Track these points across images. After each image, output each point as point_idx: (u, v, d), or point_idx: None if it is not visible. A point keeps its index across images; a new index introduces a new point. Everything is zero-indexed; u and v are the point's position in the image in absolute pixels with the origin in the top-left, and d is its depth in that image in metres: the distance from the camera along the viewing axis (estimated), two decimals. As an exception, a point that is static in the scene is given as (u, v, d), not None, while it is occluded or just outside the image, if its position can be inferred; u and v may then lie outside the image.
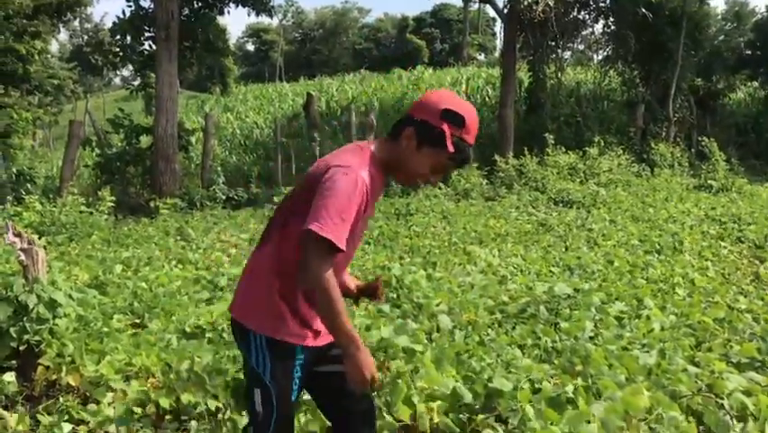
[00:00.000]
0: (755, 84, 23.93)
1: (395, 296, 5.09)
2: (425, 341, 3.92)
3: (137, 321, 4.88)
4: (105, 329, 4.36)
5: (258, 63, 69.90)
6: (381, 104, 23.87)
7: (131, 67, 15.29)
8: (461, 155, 2.20)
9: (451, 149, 2.15)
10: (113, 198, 10.23)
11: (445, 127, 2.15)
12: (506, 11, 15.86)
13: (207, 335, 4.47)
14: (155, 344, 4.21)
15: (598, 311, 4.65)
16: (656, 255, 7.29)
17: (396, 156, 2.22)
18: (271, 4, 13.67)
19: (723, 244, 8.06)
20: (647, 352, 3.96)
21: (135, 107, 30.11)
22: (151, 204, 10.93)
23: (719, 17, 31.63)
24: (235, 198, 12.69)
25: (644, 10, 14.49)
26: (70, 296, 4.80)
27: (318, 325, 2.25)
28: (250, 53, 74.77)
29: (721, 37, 26.64)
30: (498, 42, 72.89)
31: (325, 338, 2.29)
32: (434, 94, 2.25)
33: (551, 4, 13.67)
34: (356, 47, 74.96)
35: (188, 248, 7.86)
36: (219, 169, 13.48)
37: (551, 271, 6.35)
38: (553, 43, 16.48)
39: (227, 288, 5.75)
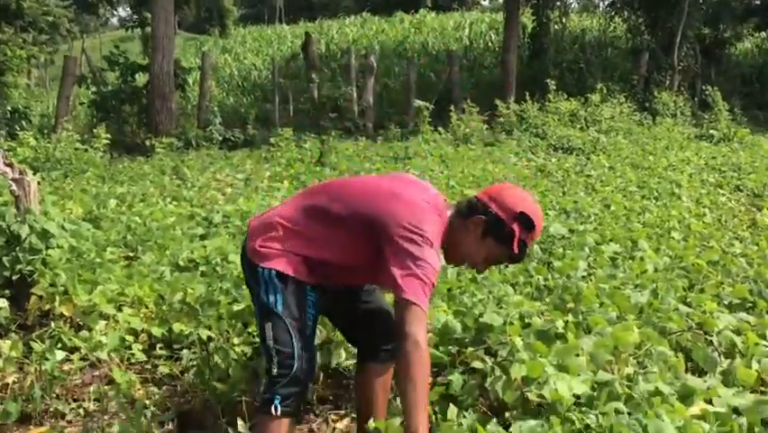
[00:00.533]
0: (763, 34, 23.53)
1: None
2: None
3: (130, 254, 4.88)
4: (98, 260, 4.35)
5: (257, 5, 68.57)
6: (382, 47, 23.50)
7: (127, 7, 14.98)
8: (519, 256, 2.29)
9: (515, 250, 2.24)
10: (108, 135, 10.13)
11: (516, 228, 2.21)
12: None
13: (201, 268, 4.47)
14: (148, 275, 4.22)
15: (592, 251, 4.65)
16: (654, 201, 7.26)
17: (457, 236, 2.28)
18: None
19: (721, 191, 8.04)
20: (639, 291, 3.96)
21: (133, 48, 29.56)
22: (147, 143, 10.85)
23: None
24: (232, 138, 12.59)
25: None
26: (63, 227, 4.78)
27: (324, 279, 2.29)
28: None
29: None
30: (503, -12, 71.39)
31: (337, 281, 2.33)
32: (514, 193, 2.32)
33: (557, -55, 13.29)
34: (358, -12, 73.49)
35: (183, 186, 7.83)
36: (216, 109, 13.33)
37: (547, 214, 6.32)
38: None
39: (221, 224, 5.74)
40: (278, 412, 2.15)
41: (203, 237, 5.29)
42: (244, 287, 4.02)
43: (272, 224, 2.27)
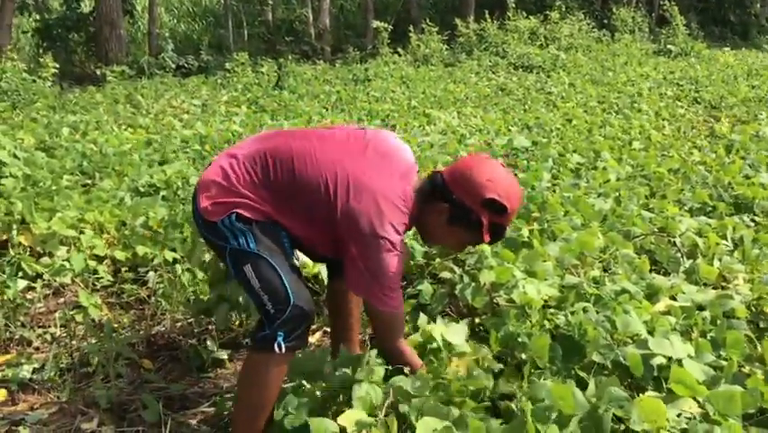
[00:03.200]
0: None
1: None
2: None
3: (88, 181, 4.74)
4: (55, 188, 4.22)
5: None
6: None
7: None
8: (495, 238, 2.05)
9: (487, 239, 1.98)
10: (56, 64, 9.72)
11: (485, 218, 1.95)
12: None
13: (162, 192, 4.37)
14: (107, 201, 4.11)
15: (556, 163, 4.67)
16: (615, 115, 7.30)
17: (425, 220, 2.06)
18: None
19: (680, 104, 8.12)
20: (603, 199, 4.01)
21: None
22: (98, 72, 10.44)
23: None
24: (185, 65, 12.20)
25: None
26: (15, 156, 4.63)
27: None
28: None
29: None
30: None
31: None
32: (481, 172, 1.98)
33: None
34: None
35: (139, 114, 7.60)
36: (168, 36, 12.86)
37: (509, 130, 6.32)
38: None
39: (180, 150, 5.60)
40: (283, 349, 1.96)
41: (162, 163, 5.16)
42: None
43: (219, 182, 2.01)
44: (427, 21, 13.10)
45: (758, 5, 18.22)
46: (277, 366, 2.00)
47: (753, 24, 17.98)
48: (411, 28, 13.17)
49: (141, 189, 4.49)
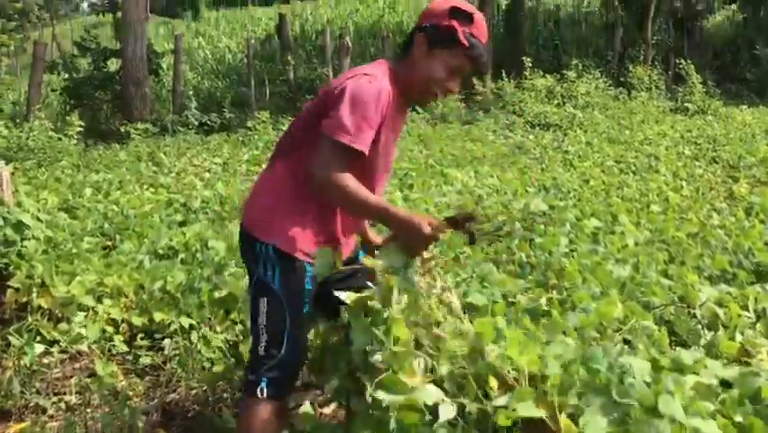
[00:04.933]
0: (733, 7, 23.66)
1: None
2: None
3: (108, 243, 4.79)
4: (75, 251, 4.28)
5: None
6: (357, 27, 23.32)
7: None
8: (476, 51, 2.06)
9: (465, 42, 2.04)
10: (81, 122, 9.95)
11: (455, 24, 2.04)
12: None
13: (180, 255, 4.41)
14: (127, 264, 4.15)
15: (573, 227, 4.66)
16: (632, 175, 7.30)
17: (410, 68, 2.11)
18: None
19: (698, 163, 8.10)
20: (621, 266, 3.98)
21: (105, 33, 29.11)
22: (122, 129, 10.67)
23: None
24: (208, 123, 12.43)
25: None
26: (38, 218, 4.70)
27: (331, 238, 2.17)
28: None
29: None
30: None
31: (345, 227, 2.21)
32: (439, 2, 2.14)
33: None
34: (331, -30, 72.83)
35: (160, 172, 7.72)
36: (191, 94, 13.14)
37: (526, 191, 6.34)
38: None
39: (200, 210, 5.67)
40: (265, 394, 2.06)
41: (182, 224, 5.21)
42: (226, 273, 3.99)
43: (267, 186, 2.17)
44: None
45: (774, 63, 18.28)
46: (261, 411, 2.07)
47: (768, 82, 18.02)
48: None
49: (161, 252, 4.53)
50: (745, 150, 8.81)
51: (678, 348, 2.91)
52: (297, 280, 2.09)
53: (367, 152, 1.96)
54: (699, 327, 3.15)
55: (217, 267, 3.98)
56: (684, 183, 7.03)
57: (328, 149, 1.94)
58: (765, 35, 19.99)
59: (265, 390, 2.06)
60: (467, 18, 2.07)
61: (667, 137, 10.34)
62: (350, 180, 1.94)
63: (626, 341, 3.04)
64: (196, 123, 12.24)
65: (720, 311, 3.27)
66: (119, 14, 13.96)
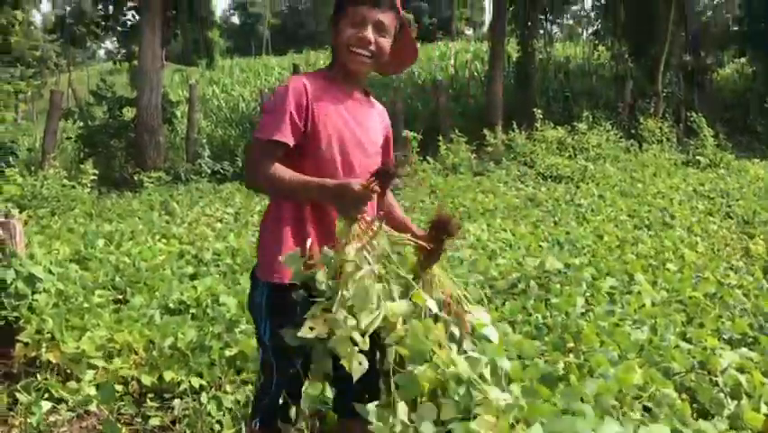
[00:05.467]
0: (743, 60, 23.86)
1: (384, 271, 5.00)
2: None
3: (119, 297, 4.77)
4: (86, 305, 4.25)
5: (244, 37, 69.09)
6: (368, 78, 23.60)
7: (114, 39, 14.94)
8: None
9: None
10: (95, 171, 10.04)
11: None
12: (495, -17, 15.66)
13: (191, 311, 4.38)
14: (138, 320, 4.11)
15: (589, 287, 4.60)
16: (646, 230, 7.25)
17: (334, 51, 2.21)
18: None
19: (712, 219, 8.03)
20: (639, 328, 3.91)
21: (120, 81, 29.62)
22: (135, 177, 10.75)
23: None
24: (221, 171, 12.52)
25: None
26: (50, 271, 4.68)
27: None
28: (235, 26, 73.89)
29: (709, 12, 26.54)
30: (487, 17, 72.50)
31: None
32: None
33: (542, -24, 13.45)
34: (343, 21, 74.16)
35: (173, 222, 7.73)
36: (204, 142, 13.27)
37: (540, 246, 6.29)
38: (543, 17, 16.29)
39: (212, 263, 5.65)
40: (257, 427, 2.19)
41: (193, 277, 5.19)
42: (237, 330, 3.95)
43: (260, 227, 2.25)
44: (456, 130, 13.36)
45: (785, 117, 18.34)
46: None
47: (780, 134, 18.06)
48: (440, 137, 13.43)
49: (171, 306, 4.50)
50: (760, 205, 8.75)
51: (700, 419, 2.83)
52: (285, 318, 1.99)
53: (288, 140, 2.02)
54: (722, 395, 3.07)
55: (228, 324, 3.94)
56: (699, 239, 6.97)
57: (251, 151, 2.07)
58: (776, 88, 20.12)
59: (258, 424, 2.19)
60: None
61: (680, 191, 10.30)
62: (274, 169, 2.01)
63: (645, 408, 2.97)
64: (209, 171, 12.33)
65: (743, 378, 3.19)
66: (135, 62, 14.19)
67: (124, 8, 12.92)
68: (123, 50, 14.59)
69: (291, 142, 2.03)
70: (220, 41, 45.61)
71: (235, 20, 74.68)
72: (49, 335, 3.89)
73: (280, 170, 2.02)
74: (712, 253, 6.32)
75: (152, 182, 10.59)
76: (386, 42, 2.14)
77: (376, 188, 1.91)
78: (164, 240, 6.74)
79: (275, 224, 2.13)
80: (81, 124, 12.58)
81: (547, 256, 5.27)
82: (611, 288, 4.63)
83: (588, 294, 4.53)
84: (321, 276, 1.92)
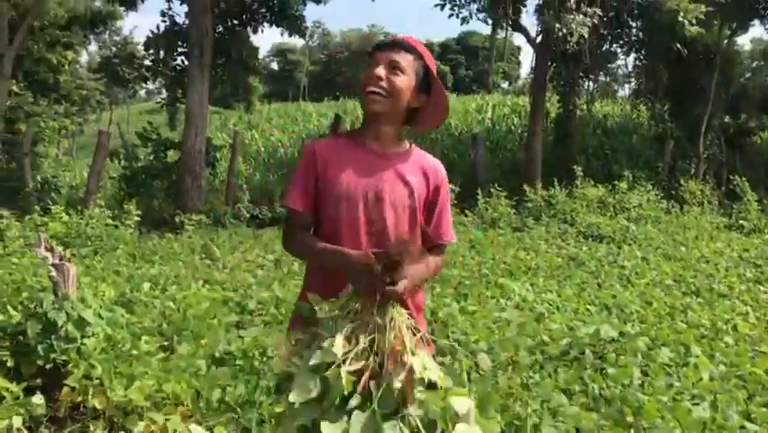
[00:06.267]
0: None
1: (430, 330, 4.92)
2: (466, 381, 3.75)
3: (165, 343, 4.74)
4: (135, 352, 4.23)
5: (282, 82, 70.40)
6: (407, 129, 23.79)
7: (157, 80, 15.27)
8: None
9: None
10: (139, 211, 10.16)
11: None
12: (538, 40, 15.78)
13: (238, 362, 4.33)
14: (186, 369, 4.07)
15: (645, 357, 4.47)
16: (694, 297, 7.07)
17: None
18: (305, 25, 13.66)
19: (762, 288, 7.82)
20: (698, 404, 3.78)
21: (160, 120, 30.29)
22: (176, 219, 10.86)
23: (747, 55, 31.24)
24: (259, 216, 12.59)
25: (678, 45, 14.34)
26: (99, 315, 4.69)
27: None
28: (274, 72, 75.36)
29: (748, 75, 26.32)
30: (522, 71, 73.20)
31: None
32: None
33: (585, 36, 13.53)
34: (380, 70, 75.45)
35: (214, 267, 7.75)
36: (245, 187, 13.41)
37: (588, 310, 6.16)
38: (584, 75, 16.35)
39: (256, 311, 5.62)
40: None
41: (239, 326, 5.16)
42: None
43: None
44: (496, 185, 13.32)
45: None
46: None
47: (826, 202, 17.68)
48: (478, 190, 13.39)
49: (218, 356, 4.46)
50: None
51: None
52: None
53: (297, 207, 2.15)
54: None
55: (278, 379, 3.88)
56: (749, 309, 6.78)
57: (284, 219, 2.28)
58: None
59: None
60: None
61: (724, 256, 10.09)
62: (297, 237, 2.16)
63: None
64: (248, 215, 12.41)
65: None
66: (178, 104, 14.49)
67: (174, 53, 13.23)
68: (167, 93, 14.84)
69: (300, 208, 2.16)
70: (259, 86, 46.58)
71: (274, 65, 76.18)
72: (97, 380, 3.86)
73: (302, 238, 2.17)
74: (766, 325, 6.13)
75: (193, 225, 10.67)
76: (401, 81, 2.10)
77: (377, 268, 1.85)
78: (207, 285, 6.74)
79: (305, 275, 2.30)
80: (125, 163, 12.80)
81: (595, 321, 5.16)
82: (668, 359, 4.49)
83: (643, 364, 4.40)
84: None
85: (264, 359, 4.30)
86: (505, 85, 58.59)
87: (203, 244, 9.28)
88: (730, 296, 7.29)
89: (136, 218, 9.92)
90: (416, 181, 2.19)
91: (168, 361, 4.23)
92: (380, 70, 2.09)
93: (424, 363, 1.84)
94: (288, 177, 17.84)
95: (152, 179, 12.39)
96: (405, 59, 2.12)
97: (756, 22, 23.60)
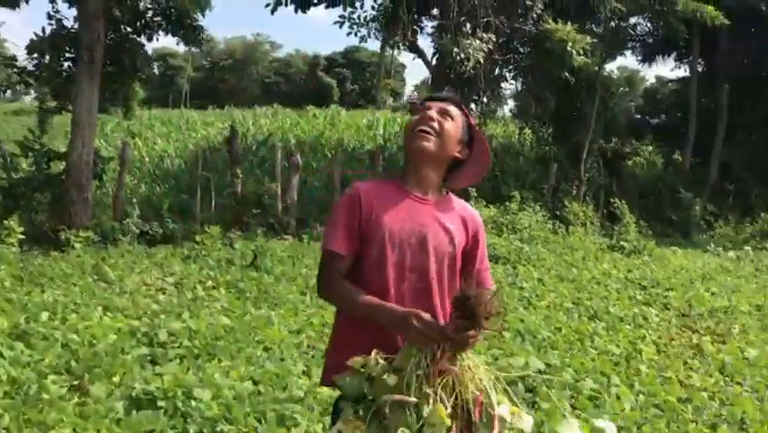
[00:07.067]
0: (649, 149, 25.38)
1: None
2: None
3: (75, 383, 4.36)
4: (45, 396, 3.86)
5: (162, 87, 68.01)
6: (298, 141, 23.58)
7: (40, 85, 14.19)
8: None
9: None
10: (21, 228, 9.40)
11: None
12: (433, 62, 16.09)
13: (160, 403, 4.04)
14: (106, 415, 3.75)
15: (571, 388, 4.57)
16: (597, 321, 7.36)
17: (405, 154, 2.29)
18: (202, 36, 13.20)
19: (653, 310, 8.27)
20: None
21: (29, 123, 28.36)
22: (61, 235, 10.11)
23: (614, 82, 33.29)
24: (150, 232, 11.97)
25: (567, 74, 15.05)
26: (1, 354, 4.27)
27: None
28: (154, 77, 72.65)
29: (615, 101, 28.05)
30: (407, 89, 74.59)
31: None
32: None
33: (481, 60, 13.93)
34: (265, 80, 74.72)
35: (112, 292, 7.27)
36: (134, 201, 12.72)
37: (501, 334, 6.26)
38: (476, 98, 16.81)
39: (169, 344, 5.30)
40: None
41: (152, 361, 4.84)
42: (217, 430, 3.67)
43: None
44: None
45: (697, 207, 19.43)
46: None
47: (692, 224, 19.08)
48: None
49: (135, 396, 4.15)
50: (693, 297, 9.10)
51: None
52: None
53: (341, 251, 2.10)
54: None
55: (210, 424, 3.66)
56: (646, 333, 7.14)
57: (321, 261, 2.18)
58: (684, 179, 21.38)
59: None
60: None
61: (612, 277, 10.62)
62: (339, 285, 2.10)
63: None
64: (137, 231, 11.78)
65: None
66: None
67: (60, 58, 12.38)
68: (54, 99, 13.76)
69: (344, 252, 2.11)
70: (139, 91, 44.64)
71: (154, 70, 73.55)
72: (4, 431, 3.49)
73: (346, 288, 2.09)
74: (667, 350, 6.46)
75: (80, 242, 10.00)
76: (450, 125, 2.19)
77: (450, 332, 1.86)
78: (108, 312, 6.31)
79: (335, 331, 2.27)
80: (4, 176, 11.81)
81: (521, 352, 5.24)
82: (592, 390, 4.62)
83: (569, 396, 4.50)
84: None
85: (188, 400, 4.03)
86: (390, 101, 59.40)
87: (93, 263, 8.71)
88: (626, 319, 7.66)
89: (20, 236, 9.17)
90: (456, 229, 2.22)
91: (83, 405, 3.88)
92: (433, 113, 2.19)
93: (511, 410, 1.89)
94: (176, 189, 17.17)
95: (33, 191, 11.50)
96: (454, 110, 2.23)
97: (628, 52, 25.37)
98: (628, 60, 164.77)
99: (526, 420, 1.97)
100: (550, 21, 14.89)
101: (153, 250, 10.61)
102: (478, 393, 1.90)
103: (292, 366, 4.91)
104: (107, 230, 11.14)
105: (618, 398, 4.57)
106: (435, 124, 2.16)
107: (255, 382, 4.48)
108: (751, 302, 9.18)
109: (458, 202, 2.32)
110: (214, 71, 75.41)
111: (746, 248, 15.12)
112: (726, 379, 5.54)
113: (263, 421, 3.79)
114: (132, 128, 30.81)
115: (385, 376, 1.89)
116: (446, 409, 1.85)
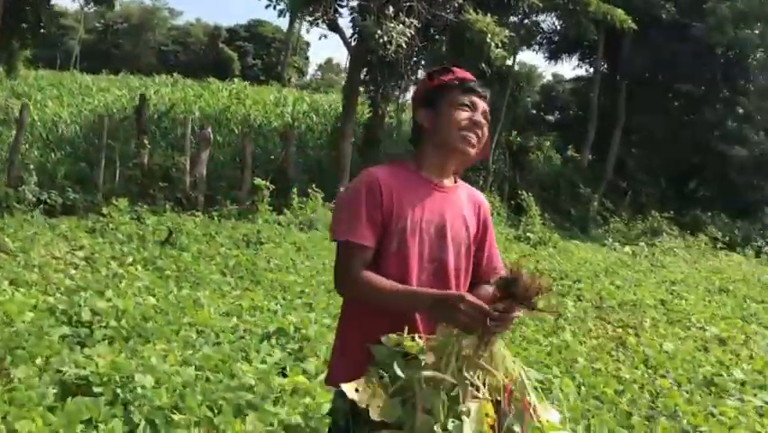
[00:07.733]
0: (547, 143, 26.28)
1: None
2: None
3: (-4, 366, 3.95)
4: (-34, 381, 3.46)
5: (49, 47, 63.94)
6: (203, 114, 22.75)
7: None
8: (459, 75, 2.12)
9: (447, 79, 2.11)
10: None
11: (435, 78, 2.15)
12: (353, 42, 15.89)
13: (96, 389, 3.71)
14: (39, 403, 3.41)
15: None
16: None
17: (430, 138, 2.13)
18: (113, -6, 12.41)
19: (569, 301, 8.51)
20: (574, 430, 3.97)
21: None
22: (-50, 201, 9.29)
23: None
24: (48, 201, 11.19)
25: (484, 65, 15.26)
26: None
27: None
28: (42, 35, 68.25)
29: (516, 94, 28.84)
30: (311, 68, 73.72)
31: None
32: None
33: (403, 45, 13.86)
34: (162, 48, 71.77)
35: (18, 264, 6.71)
36: (31, 167, 11.84)
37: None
38: (394, 83, 16.77)
39: (95, 323, 4.91)
40: None
41: (81, 344, 4.47)
42: (166, 420, 3.42)
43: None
44: (314, 186, 13.16)
45: (595, 203, 20.29)
46: None
47: (590, 218, 19.92)
48: (294, 189, 13.14)
49: (68, 381, 3.80)
50: (602, 290, 9.45)
51: None
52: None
53: (367, 242, 1.99)
54: None
55: (159, 414, 3.39)
56: (565, 324, 7.32)
57: (337, 253, 2.03)
58: (583, 176, 22.28)
59: None
60: (442, 71, 2.16)
61: (524, 268, 10.85)
62: (363, 276, 1.98)
63: None
64: (34, 199, 11.00)
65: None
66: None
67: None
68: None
69: (369, 243, 2.01)
70: (25, 50, 41.77)
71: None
72: None
73: (370, 277, 1.98)
74: (594, 344, 6.64)
75: (-29, 209, 9.21)
76: (486, 131, 2.15)
77: (497, 312, 1.79)
78: (16, 287, 5.81)
79: (341, 333, 2.16)
80: None
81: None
82: (537, 381, 4.65)
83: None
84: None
85: (128, 386, 3.73)
86: (295, 78, 58.52)
87: (-10, 232, 8.03)
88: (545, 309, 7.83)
89: None
90: (470, 216, 2.20)
91: (12, 391, 3.51)
92: (482, 119, 2.11)
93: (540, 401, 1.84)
94: (73, 157, 16.17)
95: None
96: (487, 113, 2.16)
97: (534, 48, 26.10)
98: (527, 56, 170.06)
99: (553, 412, 1.94)
100: (471, 11, 15.00)
101: (55, 221, 9.92)
102: (506, 381, 1.83)
103: (231, 352, 4.67)
104: (1, 196, 10.32)
105: (562, 390, 4.64)
106: (481, 133, 2.11)
107: (197, 368, 4.22)
108: (654, 296, 9.64)
109: (468, 187, 2.29)
110: (107, 35, 71.64)
111: (641, 244, 15.93)
112: (650, 372, 5.75)
113: (216, 411, 3.56)
114: (16, 88, 28.70)
115: (421, 356, 1.82)
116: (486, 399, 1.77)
